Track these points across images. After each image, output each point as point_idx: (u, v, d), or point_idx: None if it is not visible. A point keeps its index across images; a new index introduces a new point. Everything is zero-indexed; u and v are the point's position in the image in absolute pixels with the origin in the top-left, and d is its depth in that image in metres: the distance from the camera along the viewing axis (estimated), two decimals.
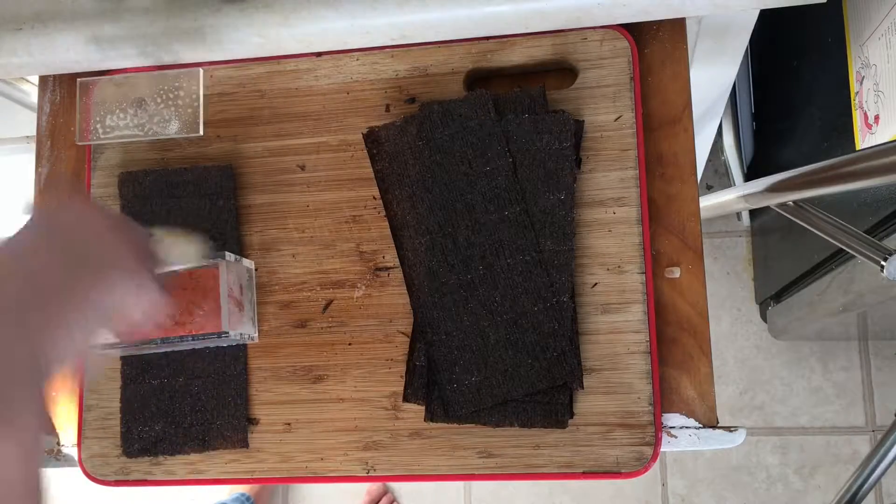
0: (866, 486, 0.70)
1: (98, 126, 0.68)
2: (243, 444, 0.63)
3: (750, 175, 1.27)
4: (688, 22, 0.65)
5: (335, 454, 0.62)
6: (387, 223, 0.64)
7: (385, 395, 0.62)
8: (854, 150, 0.71)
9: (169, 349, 0.63)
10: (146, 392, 0.65)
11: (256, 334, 0.65)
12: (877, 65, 0.73)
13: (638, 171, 0.61)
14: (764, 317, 1.40)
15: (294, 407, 0.64)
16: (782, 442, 1.40)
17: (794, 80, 1.03)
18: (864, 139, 0.78)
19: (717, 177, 1.46)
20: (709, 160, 1.28)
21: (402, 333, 0.63)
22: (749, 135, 1.25)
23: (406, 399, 0.62)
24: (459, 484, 1.44)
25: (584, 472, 0.59)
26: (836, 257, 0.97)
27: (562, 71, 0.65)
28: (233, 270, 0.61)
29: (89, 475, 0.65)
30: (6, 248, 0.41)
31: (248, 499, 1.38)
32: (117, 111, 0.68)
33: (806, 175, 0.72)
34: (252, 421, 0.64)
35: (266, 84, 0.68)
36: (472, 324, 0.60)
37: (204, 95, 0.68)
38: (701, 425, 0.59)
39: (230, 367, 0.64)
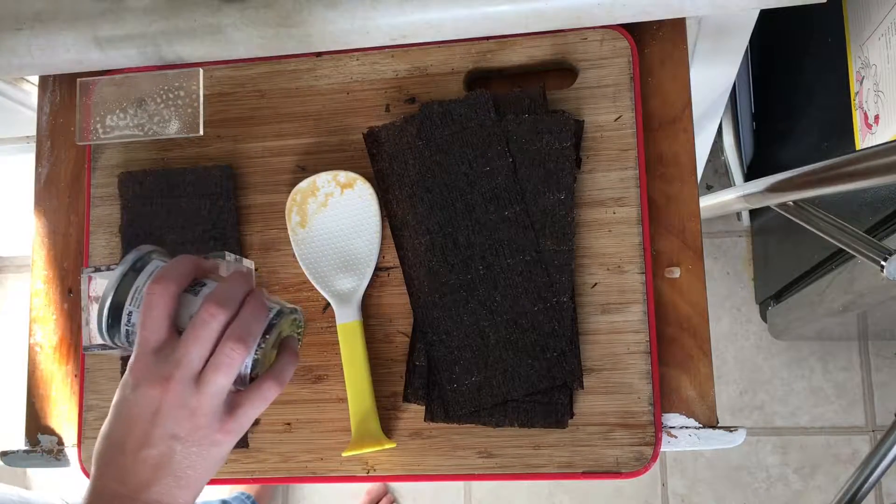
0: (866, 486, 0.70)
1: (98, 126, 0.68)
2: (243, 444, 0.63)
3: (750, 175, 1.27)
4: (688, 22, 0.65)
5: (335, 454, 0.62)
6: (387, 223, 0.64)
7: (385, 395, 0.62)
8: (854, 150, 0.71)
9: None
10: None
11: None
12: (877, 65, 0.74)
13: (638, 171, 0.61)
14: (764, 317, 1.40)
15: (294, 407, 0.64)
16: (782, 442, 1.40)
17: (794, 80, 1.03)
18: (864, 139, 0.78)
19: (717, 177, 1.46)
20: (709, 160, 1.28)
21: (402, 333, 0.63)
22: (749, 135, 1.25)
23: (406, 399, 0.62)
24: (459, 484, 1.44)
25: (583, 472, 0.59)
26: (836, 257, 0.97)
27: (562, 71, 0.65)
28: (233, 270, 0.61)
29: (89, 475, 0.65)
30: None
31: (248, 497, 1.38)
32: (117, 111, 0.68)
33: (806, 175, 0.72)
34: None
35: (266, 84, 0.68)
36: (472, 324, 0.60)
37: (204, 95, 0.68)
38: (701, 425, 0.59)
39: None
